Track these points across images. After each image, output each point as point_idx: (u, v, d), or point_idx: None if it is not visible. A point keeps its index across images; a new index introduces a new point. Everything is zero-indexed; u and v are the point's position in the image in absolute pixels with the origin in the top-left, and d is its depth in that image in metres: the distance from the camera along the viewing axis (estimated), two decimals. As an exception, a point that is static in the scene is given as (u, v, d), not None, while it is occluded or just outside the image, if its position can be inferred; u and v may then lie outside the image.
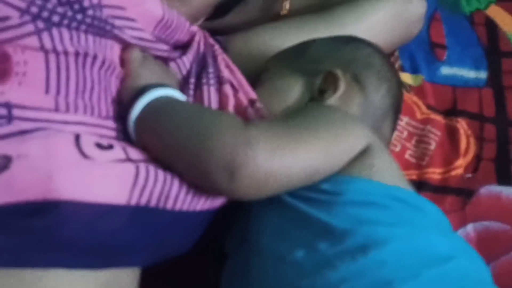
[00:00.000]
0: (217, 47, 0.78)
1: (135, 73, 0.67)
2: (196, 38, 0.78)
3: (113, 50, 0.66)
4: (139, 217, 0.56)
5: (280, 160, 0.58)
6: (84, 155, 0.53)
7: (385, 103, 0.77)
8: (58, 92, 0.59)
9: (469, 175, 0.97)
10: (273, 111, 0.73)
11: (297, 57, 0.79)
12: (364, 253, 0.56)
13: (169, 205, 0.58)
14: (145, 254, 0.61)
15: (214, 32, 0.86)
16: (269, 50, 0.87)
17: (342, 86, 0.73)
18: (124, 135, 0.63)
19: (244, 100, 0.71)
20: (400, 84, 0.83)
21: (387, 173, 0.65)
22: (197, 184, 0.60)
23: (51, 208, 0.51)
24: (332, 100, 0.73)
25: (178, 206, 0.59)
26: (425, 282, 0.55)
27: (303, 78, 0.76)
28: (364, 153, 0.64)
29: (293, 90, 0.73)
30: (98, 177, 0.53)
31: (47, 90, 0.58)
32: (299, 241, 0.60)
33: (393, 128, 0.80)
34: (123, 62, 0.67)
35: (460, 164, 0.97)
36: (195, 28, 0.78)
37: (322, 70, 0.75)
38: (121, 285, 0.60)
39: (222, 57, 0.76)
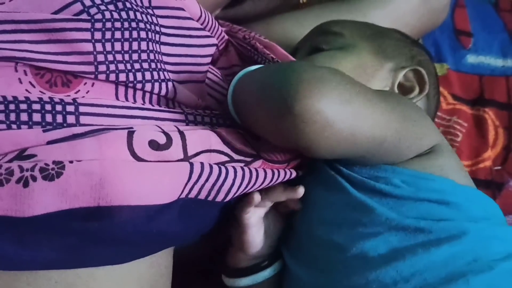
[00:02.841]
0: (247, 34, 0.76)
1: None
2: (230, 45, 0.77)
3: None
4: (187, 208, 0.57)
5: (348, 109, 0.52)
6: (136, 157, 0.53)
7: (433, 112, 0.78)
8: (126, 85, 0.59)
9: (498, 167, 0.94)
10: None
11: (379, 37, 0.75)
12: (437, 245, 0.55)
13: (219, 198, 0.58)
14: (190, 236, 0.62)
15: (232, 20, 0.85)
16: (290, 39, 0.85)
17: (427, 88, 0.72)
18: (195, 120, 0.62)
19: None
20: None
21: (457, 174, 0.62)
22: (278, 136, 0.56)
23: (104, 214, 0.51)
24: (413, 99, 0.71)
25: (228, 198, 0.59)
26: (499, 274, 0.55)
27: (387, 65, 0.73)
28: (434, 152, 0.62)
29: (378, 74, 0.69)
30: (150, 181, 0.53)
31: (116, 86, 0.58)
32: (365, 233, 0.58)
33: None
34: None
35: (489, 156, 0.95)
36: (225, 35, 0.76)
37: (404, 64, 0.73)
38: (166, 262, 0.62)
39: (258, 42, 0.73)
